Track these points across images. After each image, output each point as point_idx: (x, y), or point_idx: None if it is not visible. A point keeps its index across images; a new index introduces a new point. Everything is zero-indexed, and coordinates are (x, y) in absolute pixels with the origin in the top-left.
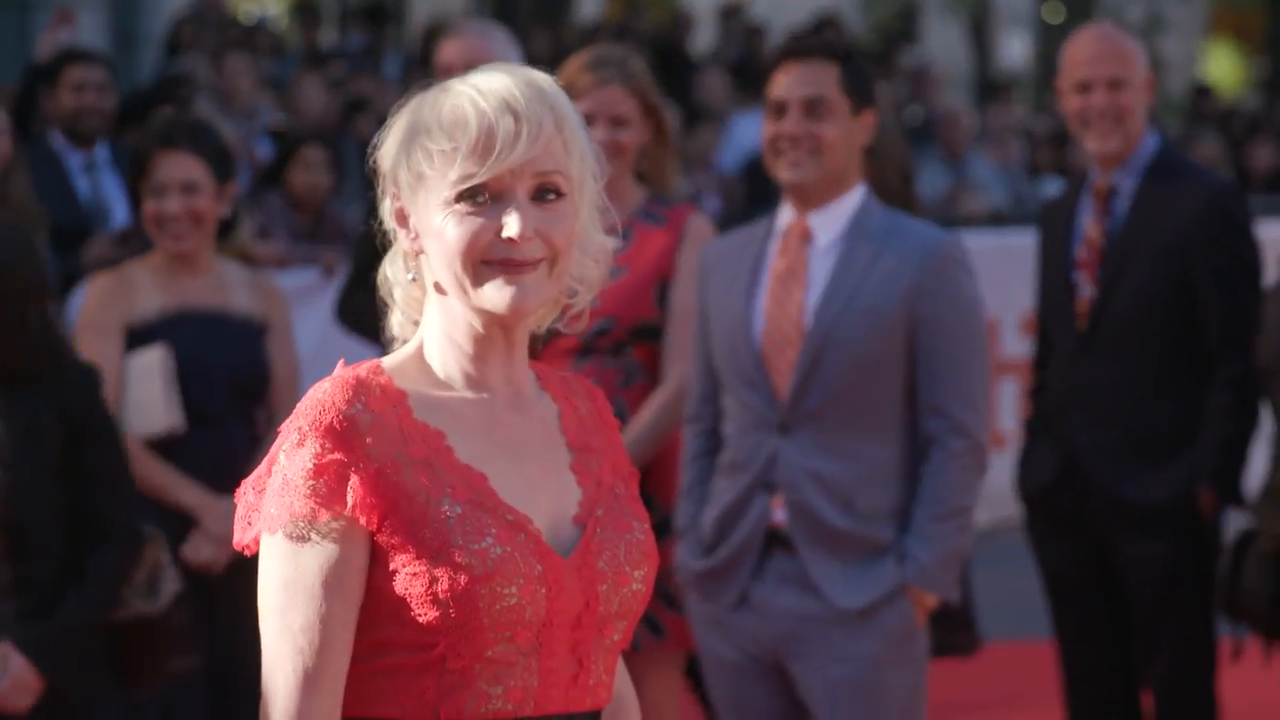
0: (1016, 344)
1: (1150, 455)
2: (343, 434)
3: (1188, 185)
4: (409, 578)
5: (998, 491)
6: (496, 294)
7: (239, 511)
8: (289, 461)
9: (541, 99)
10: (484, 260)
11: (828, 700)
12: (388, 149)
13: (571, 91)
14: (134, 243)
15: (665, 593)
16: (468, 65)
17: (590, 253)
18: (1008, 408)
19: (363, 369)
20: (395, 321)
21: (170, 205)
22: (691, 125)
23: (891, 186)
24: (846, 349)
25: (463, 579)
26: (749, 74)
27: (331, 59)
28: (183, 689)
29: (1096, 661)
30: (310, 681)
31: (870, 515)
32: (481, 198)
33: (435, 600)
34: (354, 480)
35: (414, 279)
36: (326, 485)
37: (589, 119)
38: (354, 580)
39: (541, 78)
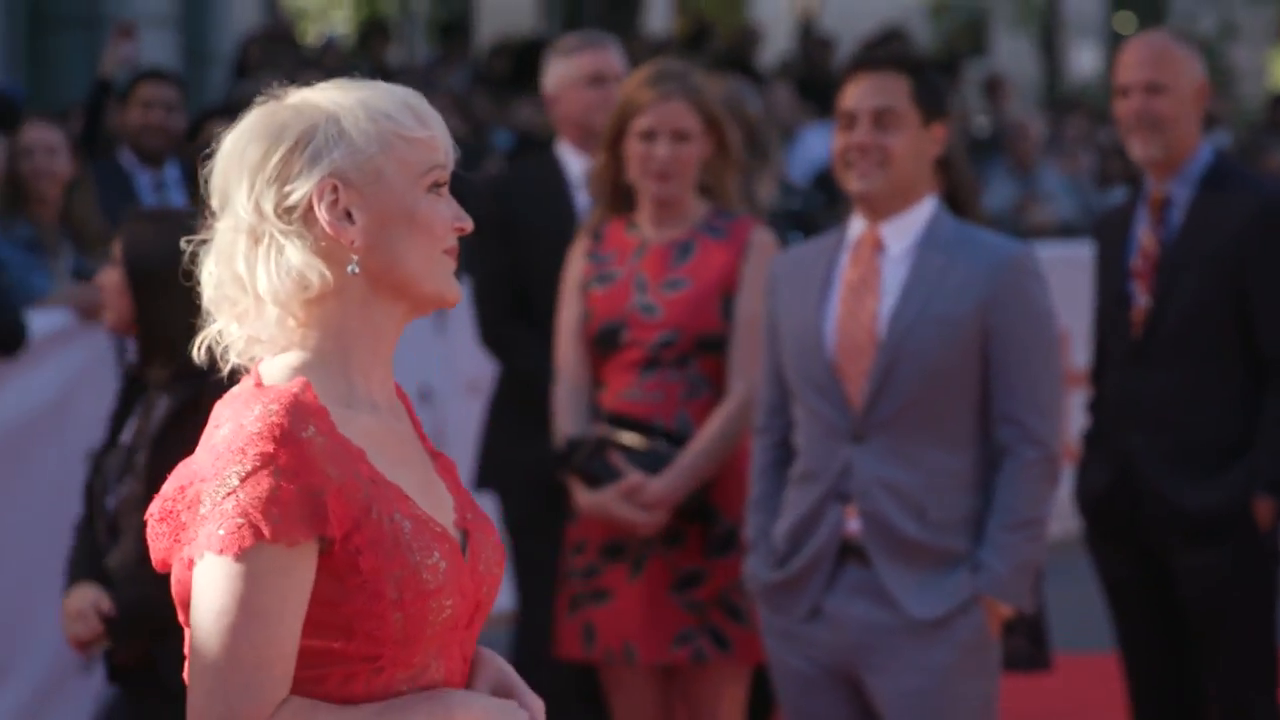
0: (1085, 355)
1: (1205, 464)
2: (305, 459)
3: (1241, 194)
4: (371, 594)
5: (1064, 503)
6: (451, 281)
7: (162, 528)
8: (246, 485)
9: None
10: (446, 248)
11: (901, 711)
12: (326, 140)
13: (633, 106)
14: None
15: (732, 606)
16: (616, 75)
17: None
18: (1077, 419)
19: (294, 387)
20: (267, 316)
21: None
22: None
23: (966, 199)
24: (919, 358)
25: (421, 594)
26: (817, 86)
27: (399, 75)
28: None
29: (1157, 672)
30: (269, 698)
31: (943, 525)
32: (438, 189)
33: (392, 615)
34: (322, 505)
35: (355, 271)
36: (293, 511)
37: (651, 133)
38: (305, 599)
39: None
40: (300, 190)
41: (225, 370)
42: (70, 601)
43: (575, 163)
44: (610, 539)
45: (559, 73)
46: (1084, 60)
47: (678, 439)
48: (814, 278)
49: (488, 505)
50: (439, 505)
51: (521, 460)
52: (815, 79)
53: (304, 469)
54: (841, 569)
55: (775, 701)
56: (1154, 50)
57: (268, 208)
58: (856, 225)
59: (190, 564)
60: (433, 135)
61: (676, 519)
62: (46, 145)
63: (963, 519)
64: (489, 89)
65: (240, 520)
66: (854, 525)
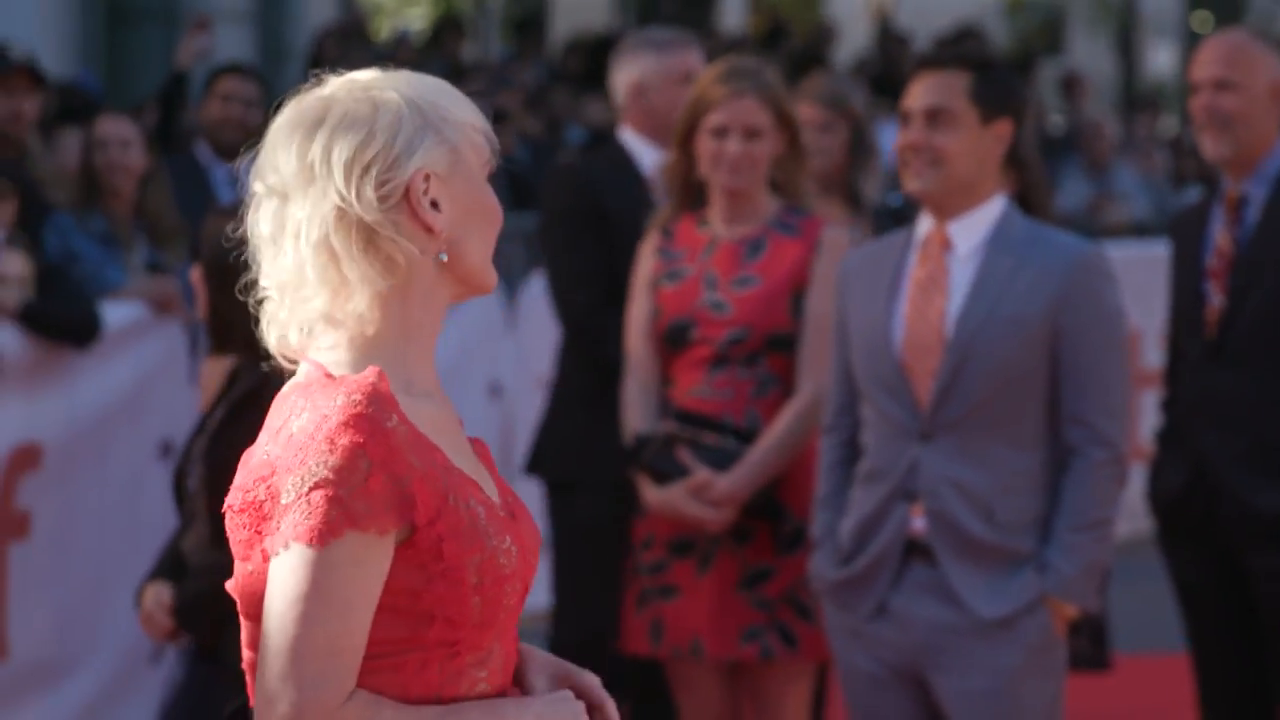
0: (1158, 355)
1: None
2: (391, 448)
3: None
4: (453, 581)
5: (1137, 503)
6: (492, 269)
7: (242, 519)
8: (335, 474)
9: None
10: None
11: (966, 711)
12: (412, 134)
13: (705, 103)
14: None
15: (799, 604)
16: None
17: None
18: (1150, 420)
19: (371, 376)
20: (355, 306)
21: None
22: None
23: (1037, 198)
24: (988, 358)
25: (498, 579)
26: (893, 84)
27: (473, 71)
28: None
29: (1229, 675)
30: (341, 687)
31: (1010, 525)
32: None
33: (471, 600)
34: (409, 493)
35: (445, 260)
36: (381, 500)
37: (723, 130)
38: (379, 589)
39: None
40: (396, 180)
41: (273, 356)
42: (142, 604)
43: (647, 153)
44: (678, 535)
45: (650, 65)
46: (1160, 59)
47: (746, 436)
48: (883, 276)
49: (527, 492)
50: (489, 490)
51: (602, 452)
52: (891, 76)
53: (391, 458)
54: (907, 568)
55: (827, 698)
56: (1227, 48)
57: (370, 193)
58: (925, 224)
59: (268, 555)
60: (486, 124)
61: (744, 516)
62: (121, 138)
63: (1030, 519)
64: (563, 86)
65: (332, 510)
66: (919, 524)
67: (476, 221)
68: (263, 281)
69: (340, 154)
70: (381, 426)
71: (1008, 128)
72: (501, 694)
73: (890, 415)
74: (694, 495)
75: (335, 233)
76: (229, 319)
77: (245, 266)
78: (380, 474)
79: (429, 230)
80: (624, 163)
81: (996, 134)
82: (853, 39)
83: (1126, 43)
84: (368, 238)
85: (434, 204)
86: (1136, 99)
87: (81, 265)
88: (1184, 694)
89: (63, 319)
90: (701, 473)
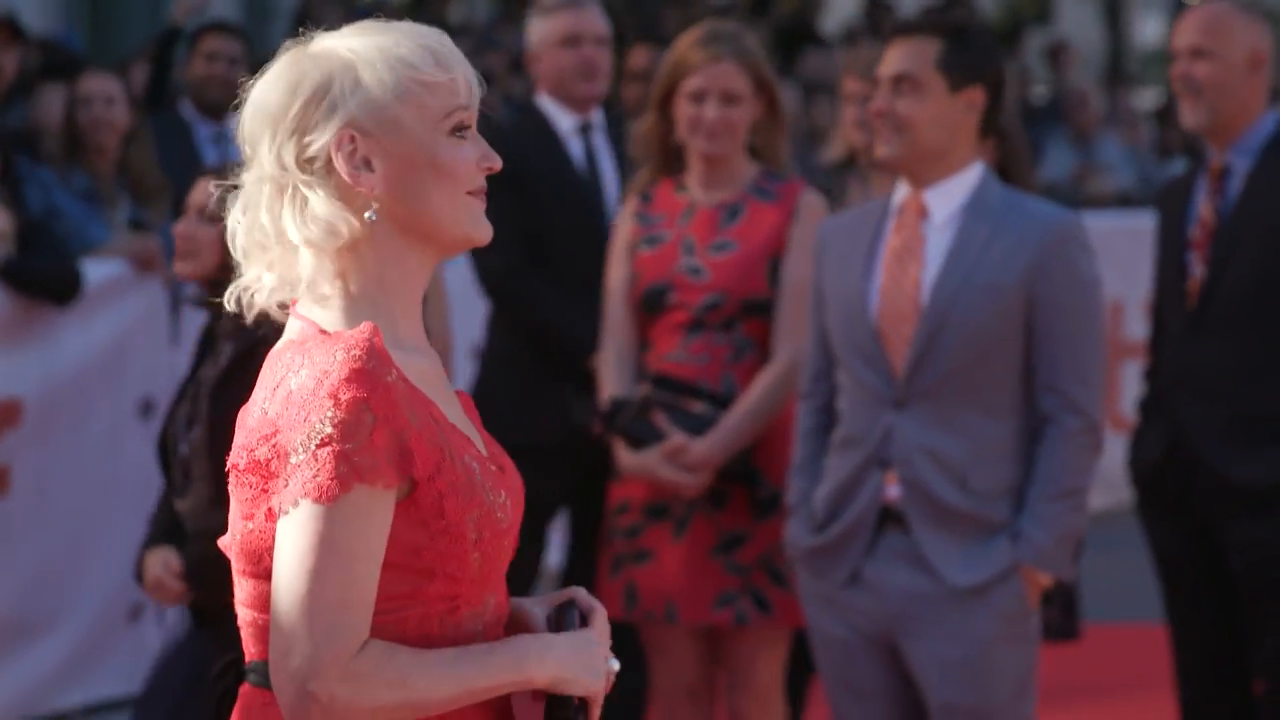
0: (1140, 326)
1: (1258, 437)
2: (391, 403)
3: None
4: (454, 536)
5: (1118, 474)
6: (480, 222)
7: (249, 478)
8: (339, 430)
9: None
10: (472, 189)
11: (939, 678)
12: (342, 89)
13: (684, 67)
14: None
15: (774, 569)
16: (595, 37)
17: None
18: (1131, 390)
19: (366, 332)
20: (305, 266)
21: None
22: (810, 101)
23: (1016, 167)
24: (963, 326)
25: (497, 533)
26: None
27: (459, 33)
28: None
29: (1206, 645)
30: (353, 639)
31: (985, 493)
32: (462, 131)
33: (471, 555)
34: (409, 447)
35: (372, 218)
36: (384, 454)
37: (701, 94)
38: (384, 542)
39: None
40: (319, 141)
41: (249, 316)
42: (147, 570)
43: (563, 118)
44: (654, 499)
45: (537, 30)
46: (1149, 30)
47: (722, 401)
48: (859, 243)
49: None
50: (479, 445)
51: (537, 416)
52: (881, 44)
53: (392, 413)
54: (881, 535)
55: (814, 667)
56: (1207, 16)
57: (289, 159)
58: (901, 191)
59: (274, 514)
60: (453, 78)
61: (720, 481)
62: (105, 95)
63: (1004, 488)
64: None
65: (340, 466)
66: (894, 491)
67: (425, 177)
68: (239, 244)
69: (267, 118)
70: (383, 381)
71: (979, 96)
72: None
73: (865, 382)
74: (669, 460)
75: (272, 197)
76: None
77: None
78: (383, 428)
79: (359, 190)
80: (543, 126)
81: (966, 101)
82: (841, 7)
83: (1115, 13)
84: (302, 200)
85: (366, 162)
86: (1122, 69)
87: (64, 221)
88: (1163, 664)
89: (43, 276)
90: (677, 437)
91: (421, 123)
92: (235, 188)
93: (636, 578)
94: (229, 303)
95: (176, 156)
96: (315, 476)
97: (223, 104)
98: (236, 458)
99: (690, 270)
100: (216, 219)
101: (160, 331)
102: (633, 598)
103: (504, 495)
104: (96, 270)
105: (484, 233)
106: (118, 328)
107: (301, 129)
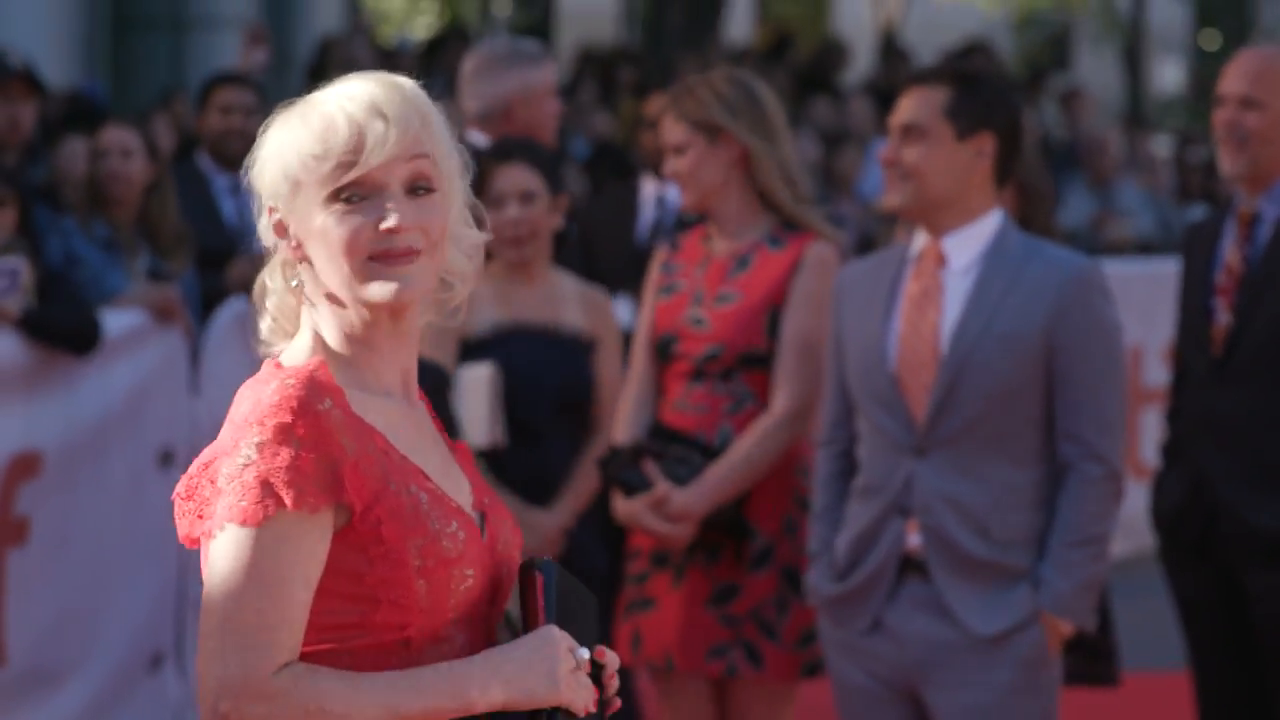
0: (1160, 372)
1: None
2: (321, 430)
3: None
4: (395, 563)
5: (1139, 520)
6: (381, 287)
7: (188, 505)
8: (264, 456)
9: (406, 100)
10: (369, 256)
11: None
12: (261, 165)
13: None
14: None
15: (765, 622)
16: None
17: (462, 247)
18: (1150, 436)
19: (310, 365)
20: (265, 328)
21: (509, 213)
22: (833, 149)
23: (1035, 214)
24: (983, 374)
25: (442, 562)
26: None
27: None
28: None
29: (1229, 692)
30: (270, 663)
31: (1005, 542)
32: (357, 196)
33: (416, 583)
34: (339, 474)
35: (297, 285)
36: (311, 480)
37: (661, 152)
38: (318, 570)
39: (405, 81)
40: (261, 211)
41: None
42: None
43: None
44: (659, 547)
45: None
46: (1168, 76)
47: (716, 452)
48: (878, 291)
49: None
50: (456, 488)
51: None
52: (894, 93)
53: (321, 439)
54: (902, 583)
55: None
56: (1257, 64)
57: (263, 225)
58: (920, 239)
59: (209, 536)
60: (328, 148)
61: (709, 532)
62: (123, 148)
63: (1026, 536)
64: (567, 97)
65: (260, 490)
66: (915, 540)
67: (316, 246)
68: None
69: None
70: (312, 408)
71: (989, 143)
72: None
73: (885, 430)
74: (653, 509)
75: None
76: None
77: None
78: (309, 453)
79: (292, 257)
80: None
81: (976, 149)
82: (859, 54)
83: (1134, 59)
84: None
85: (285, 231)
86: (1142, 115)
87: (83, 269)
88: (1186, 711)
89: (63, 326)
90: (660, 486)
91: (310, 193)
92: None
93: (641, 625)
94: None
95: (194, 208)
96: (240, 500)
97: (239, 155)
98: (179, 488)
99: (694, 321)
100: None
101: (179, 381)
102: (638, 644)
103: (456, 526)
104: (116, 320)
105: (375, 296)
106: (136, 378)
107: (261, 193)
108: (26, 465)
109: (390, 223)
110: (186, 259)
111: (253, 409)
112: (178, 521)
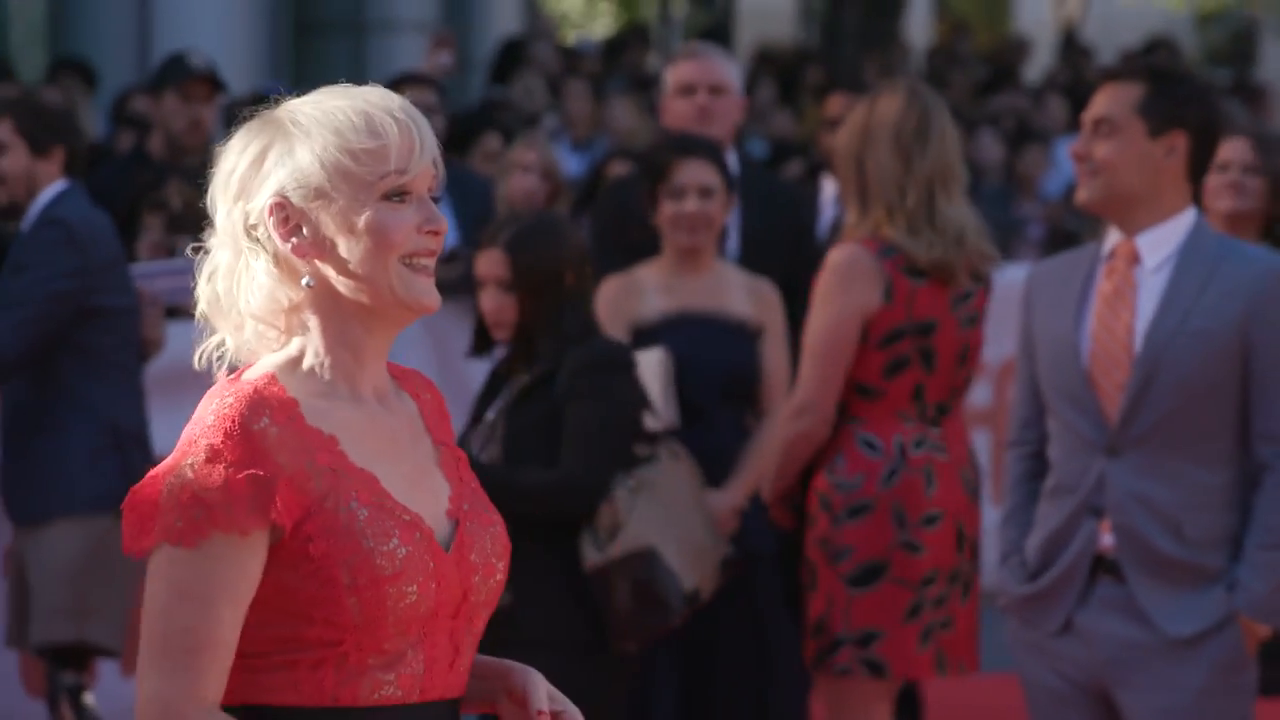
0: None
1: None
2: (254, 450)
3: None
4: (324, 580)
5: None
6: (423, 288)
7: (132, 517)
8: (198, 477)
9: (414, 109)
10: (410, 254)
11: None
12: (271, 164)
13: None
14: (460, 264)
15: None
16: (711, 85)
17: None
18: None
19: (258, 380)
20: (248, 329)
21: (688, 206)
22: (1018, 148)
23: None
24: (1177, 373)
25: (375, 579)
26: (1077, 96)
27: (656, 81)
28: (659, 654)
29: None
30: (200, 682)
31: (1199, 542)
32: (400, 196)
33: (348, 600)
34: (269, 494)
35: (309, 285)
36: (242, 502)
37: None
38: (249, 588)
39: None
40: (256, 207)
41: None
42: None
43: None
44: (954, 566)
45: (679, 76)
46: None
47: None
48: (1070, 290)
49: None
50: (428, 495)
51: None
52: (1076, 89)
53: (253, 460)
54: (1094, 584)
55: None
56: None
57: (238, 225)
58: (1112, 236)
59: (147, 551)
60: (384, 145)
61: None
62: None
63: (1220, 537)
64: (747, 97)
65: (195, 512)
66: (1107, 540)
67: (354, 244)
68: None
69: (221, 182)
70: (247, 429)
71: (1182, 141)
72: (427, 704)
73: (1077, 429)
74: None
75: (230, 263)
76: (532, 328)
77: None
78: (241, 475)
79: (294, 256)
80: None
81: (1168, 146)
82: (1040, 50)
83: None
84: (248, 266)
85: (299, 229)
86: None
87: None
88: None
89: None
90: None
91: (350, 191)
92: (205, 252)
93: (943, 643)
94: (197, 363)
95: None
96: (176, 521)
97: None
98: (127, 499)
99: None
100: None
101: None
102: (943, 663)
103: (396, 543)
104: None
105: (421, 298)
106: None
107: (245, 194)
108: None
109: (438, 224)
110: None
111: (194, 428)
112: (124, 531)
